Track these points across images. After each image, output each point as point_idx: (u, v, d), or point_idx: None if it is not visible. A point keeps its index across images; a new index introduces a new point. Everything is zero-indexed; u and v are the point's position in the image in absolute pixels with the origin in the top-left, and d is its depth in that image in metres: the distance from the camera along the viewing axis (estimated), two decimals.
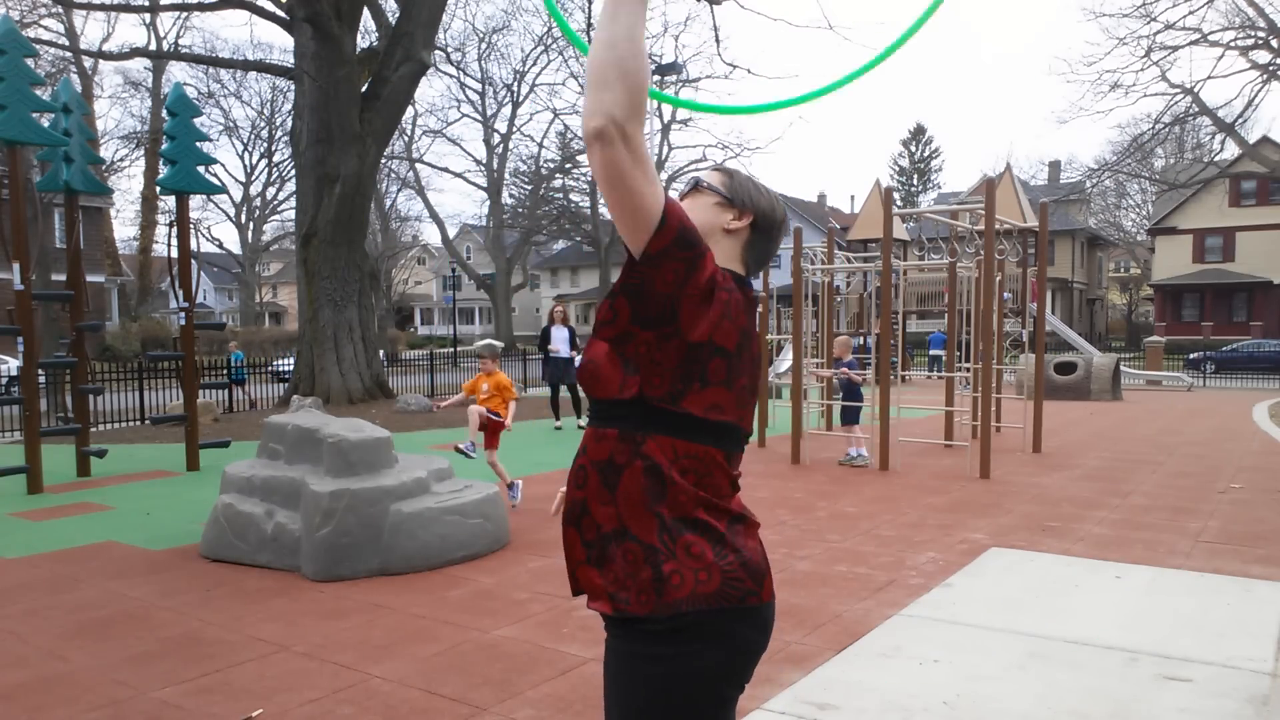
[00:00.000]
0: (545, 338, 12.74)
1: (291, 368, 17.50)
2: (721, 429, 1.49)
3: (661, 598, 1.42)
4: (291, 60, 16.85)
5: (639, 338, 1.44)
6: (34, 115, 8.19)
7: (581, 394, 7.94)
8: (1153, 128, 31.54)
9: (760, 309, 11.62)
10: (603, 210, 42.38)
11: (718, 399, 1.47)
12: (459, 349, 22.28)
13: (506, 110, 43.90)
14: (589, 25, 36.43)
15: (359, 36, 16.28)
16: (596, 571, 1.48)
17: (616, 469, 1.46)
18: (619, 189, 1.35)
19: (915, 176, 60.25)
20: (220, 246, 51.53)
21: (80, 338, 9.27)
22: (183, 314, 9.54)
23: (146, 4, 21.34)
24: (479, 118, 42.91)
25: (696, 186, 1.66)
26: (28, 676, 3.71)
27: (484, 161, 44.42)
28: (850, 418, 9.36)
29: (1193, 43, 27.71)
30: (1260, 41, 27.19)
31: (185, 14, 34.40)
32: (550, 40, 40.13)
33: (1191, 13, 28.42)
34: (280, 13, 16.12)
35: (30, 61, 8.28)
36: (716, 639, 1.45)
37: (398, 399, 15.22)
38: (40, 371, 9.58)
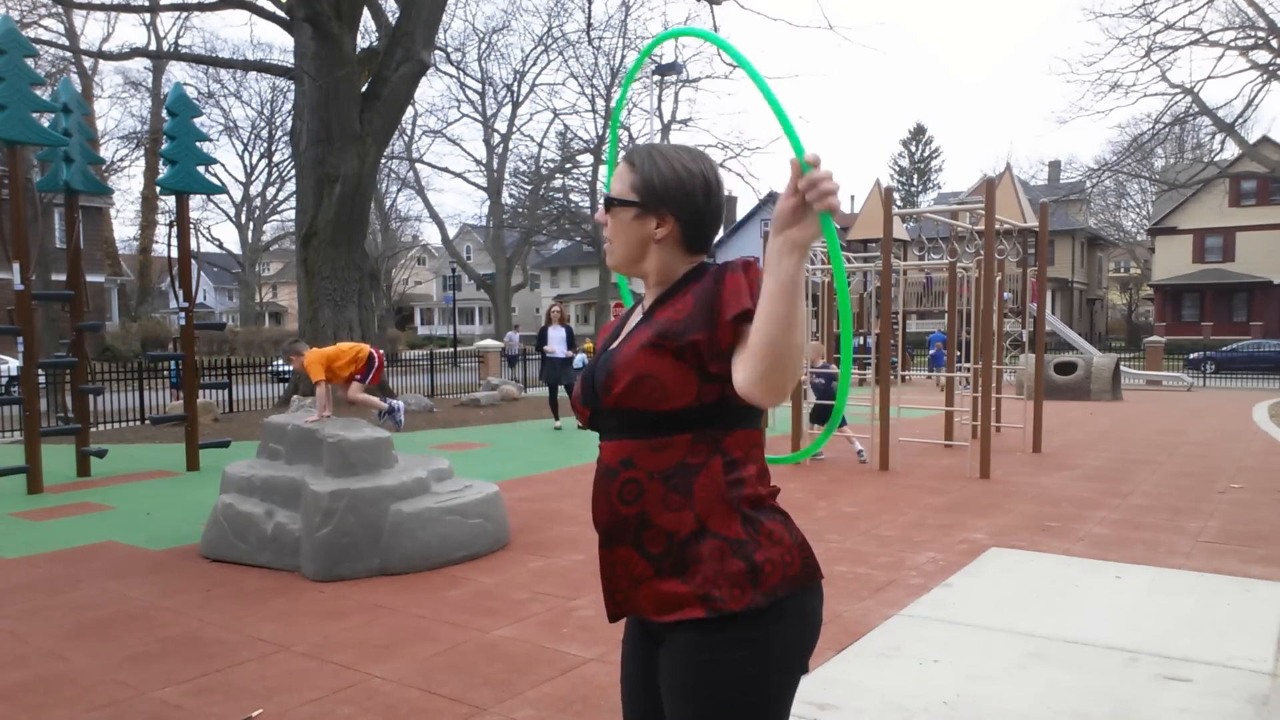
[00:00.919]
0: (543, 338, 12.77)
1: (291, 368, 17.48)
2: (758, 410, 1.49)
3: (758, 588, 1.41)
4: (291, 60, 16.85)
5: (703, 340, 1.40)
6: (34, 115, 8.19)
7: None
8: (1153, 128, 31.55)
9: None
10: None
11: None
12: (459, 349, 22.27)
13: (506, 110, 43.90)
14: (589, 25, 36.44)
15: (359, 36, 16.27)
16: (677, 580, 1.43)
17: (690, 470, 1.43)
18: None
19: (915, 176, 60.27)
20: (220, 246, 51.54)
21: (80, 338, 9.27)
22: (183, 314, 9.54)
23: (146, 4, 21.33)
24: (479, 118, 42.91)
25: (609, 206, 1.54)
26: (28, 676, 3.71)
27: (484, 161, 44.41)
28: (821, 418, 9.42)
29: (1193, 43, 27.72)
30: (1260, 41, 27.19)
31: (185, 14, 34.41)
32: (550, 40, 40.14)
33: (1191, 13, 28.46)
34: (280, 13, 16.11)
35: (30, 61, 8.28)
36: (800, 618, 1.47)
37: (398, 399, 15.21)
38: (40, 371, 9.58)
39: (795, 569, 1.45)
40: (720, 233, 1.60)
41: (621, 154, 1.59)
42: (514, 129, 43.88)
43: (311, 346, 6.54)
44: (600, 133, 40.83)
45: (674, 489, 1.43)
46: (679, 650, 1.45)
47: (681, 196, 1.50)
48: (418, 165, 43.88)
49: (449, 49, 38.50)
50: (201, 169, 9.69)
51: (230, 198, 47.41)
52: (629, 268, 1.56)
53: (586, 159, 43.08)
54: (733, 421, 1.45)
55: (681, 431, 1.43)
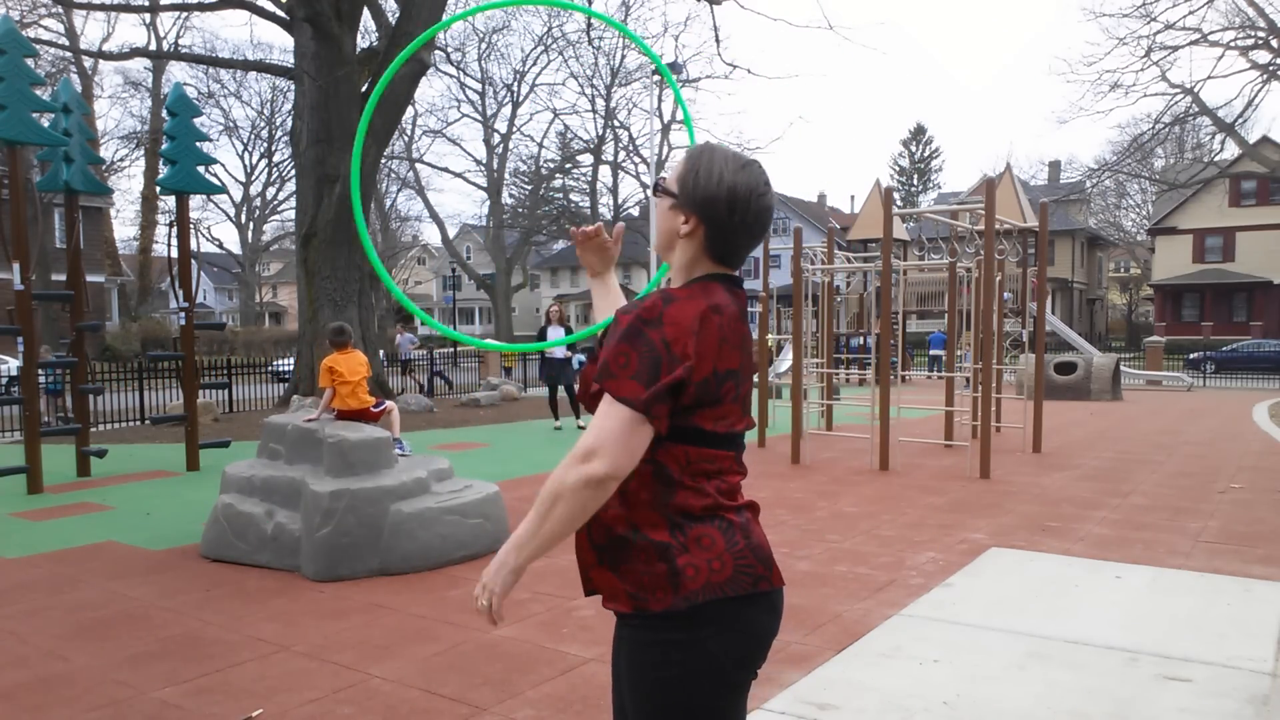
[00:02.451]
0: (541, 338, 12.74)
1: (291, 368, 17.49)
2: (731, 436, 1.56)
3: (678, 591, 1.45)
4: (291, 60, 16.85)
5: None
6: (34, 115, 8.19)
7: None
8: (1153, 128, 31.54)
9: (760, 309, 11.65)
10: (603, 210, 42.38)
11: (727, 412, 1.53)
12: (459, 349, 22.28)
13: (506, 110, 43.91)
14: (589, 25, 36.40)
15: (359, 36, 16.27)
16: (613, 575, 1.51)
17: (629, 475, 1.48)
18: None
19: (915, 176, 60.28)
20: (220, 246, 51.56)
21: (80, 338, 9.27)
22: (183, 314, 9.54)
23: (146, 4, 21.34)
24: (479, 118, 42.92)
25: (657, 188, 1.62)
26: (28, 676, 3.71)
27: (484, 161, 44.43)
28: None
29: (1193, 43, 27.71)
30: (1260, 41, 27.19)
31: (185, 14, 34.41)
32: (550, 40, 40.14)
33: (1191, 13, 28.52)
34: (280, 13, 16.12)
35: (30, 61, 8.27)
36: (731, 626, 1.49)
37: (398, 399, 15.22)
38: (40, 371, 9.58)
39: (724, 575, 1.47)
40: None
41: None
42: (514, 129, 43.92)
43: (347, 343, 6.53)
44: (600, 133, 40.82)
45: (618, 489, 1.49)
46: (617, 640, 1.56)
47: (706, 203, 1.54)
48: (418, 165, 43.91)
49: (449, 49, 38.52)
50: (201, 169, 9.69)
51: (230, 198, 47.46)
52: (663, 254, 1.63)
53: (586, 159, 43.10)
54: (672, 437, 1.48)
55: None
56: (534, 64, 51.60)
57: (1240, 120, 29.94)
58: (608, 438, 1.41)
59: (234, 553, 5.50)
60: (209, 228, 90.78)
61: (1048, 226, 10.43)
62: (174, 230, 9.45)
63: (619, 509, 1.50)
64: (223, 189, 12.00)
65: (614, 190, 44.47)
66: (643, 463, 1.46)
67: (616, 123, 41.28)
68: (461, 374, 22.04)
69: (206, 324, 12.57)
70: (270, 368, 20.37)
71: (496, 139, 43.66)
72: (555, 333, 12.49)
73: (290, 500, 5.44)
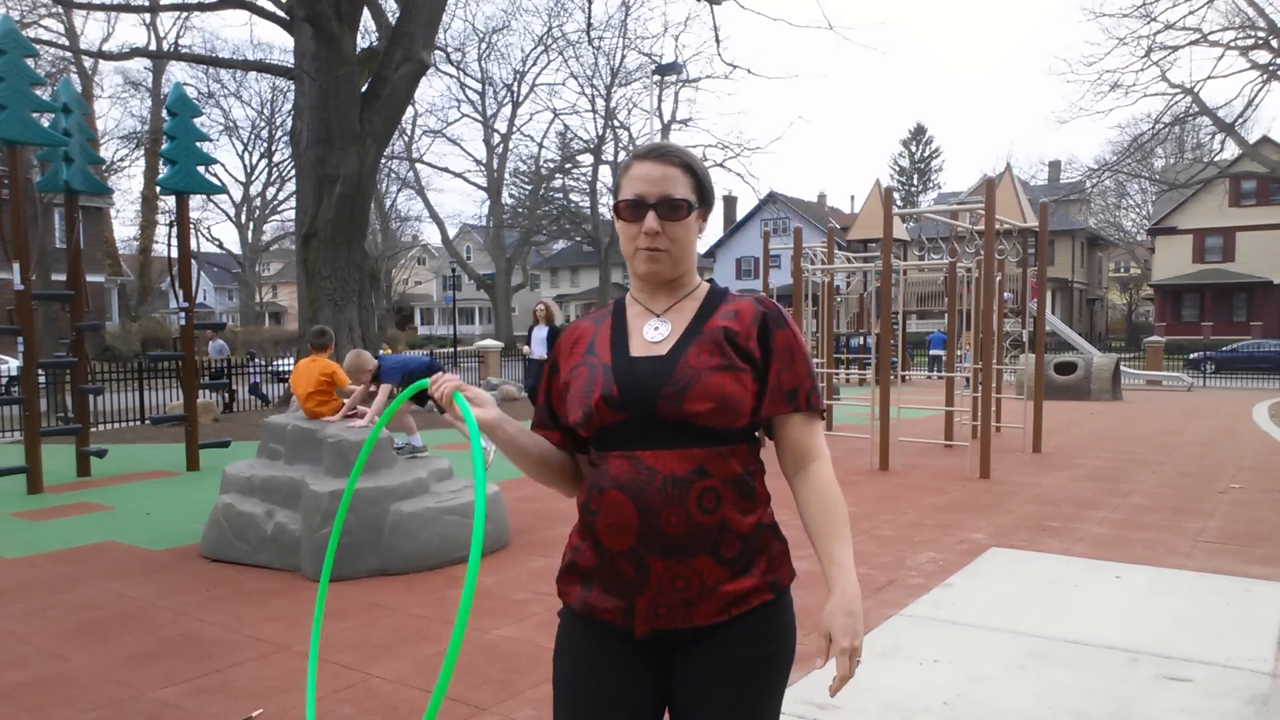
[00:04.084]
0: (529, 338, 12.33)
1: (291, 368, 17.49)
2: None
3: (789, 562, 1.58)
4: (291, 60, 16.84)
5: (744, 372, 1.52)
6: (34, 115, 8.19)
7: None
8: (1153, 128, 31.50)
9: None
10: (603, 210, 42.37)
11: None
12: (459, 349, 22.27)
13: (506, 110, 43.86)
14: (589, 25, 36.41)
15: (359, 36, 16.26)
16: (746, 577, 1.50)
17: (751, 475, 1.53)
18: None
19: (915, 176, 60.25)
20: (220, 246, 51.48)
21: (80, 338, 9.27)
22: (183, 314, 9.54)
23: (146, 4, 21.32)
24: (479, 118, 42.87)
25: (689, 207, 1.54)
26: (28, 676, 3.71)
27: (484, 161, 44.38)
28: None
29: (1193, 43, 27.68)
30: (1260, 41, 27.17)
31: (185, 14, 34.40)
32: (550, 40, 40.13)
33: (1191, 13, 28.42)
34: (280, 13, 16.10)
35: (30, 61, 8.28)
36: None
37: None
38: (40, 371, 9.58)
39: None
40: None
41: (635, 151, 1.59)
42: (514, 129, 43.86)
43: (328, 345, 6.20)
44: (600, 133, 40.82)
45: (744, 494, 1.50)
46: (741, 643, 1.50)
47: (711, 190, 1.59)
48: (418, 165, 43.88)
49: (449, 49, 38.50)
50: (201, 169, 9.69)
51: (230, 198, 47.35)
52: (680, 267, 1.58)
53: (586, 159, 43.08)
54: (758, 428, 1.58)
55: (743, 441, 1.52)
56: (534, 64, 51.63)
57: (1240, 120, 29.93)
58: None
59: (234, 553, 5.50)
60: (209, 228, 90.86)
61: (1048, 226, 10.43)
62: (174, 230, 9.46)
63: (749, 513, 1.50)
64: (223, 189, 11.99)
65: (614, 190, 44.39)
66: (758, 457, 1.55)
67: (616, 123, 41.27)
68: (463, 374, 22.04)
69: (206, 324, 12.58)
70: (271, 368, 20.36)
71: (496, 139, 43.64)
72: (539, 334, 12.25)
73: (290, 500, 5.44)
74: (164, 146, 9.66)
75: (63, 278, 10.59)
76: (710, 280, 1.63)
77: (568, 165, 44.35)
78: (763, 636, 1.51)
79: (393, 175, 44.87)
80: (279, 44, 69.72)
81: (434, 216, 45.68)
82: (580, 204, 44.54)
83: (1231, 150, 34.52)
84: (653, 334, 1.55)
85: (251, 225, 49.78)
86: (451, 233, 50.26)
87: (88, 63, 33.07)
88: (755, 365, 1.51)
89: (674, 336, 1.53)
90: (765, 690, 1.52)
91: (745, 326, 1.52)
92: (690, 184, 1.54)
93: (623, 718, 1.51)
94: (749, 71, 54.45)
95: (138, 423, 13.96)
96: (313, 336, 6.33)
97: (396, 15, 16.66)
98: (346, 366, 6.10)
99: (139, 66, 39.74)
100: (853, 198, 58.72)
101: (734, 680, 1.49)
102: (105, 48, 36.14)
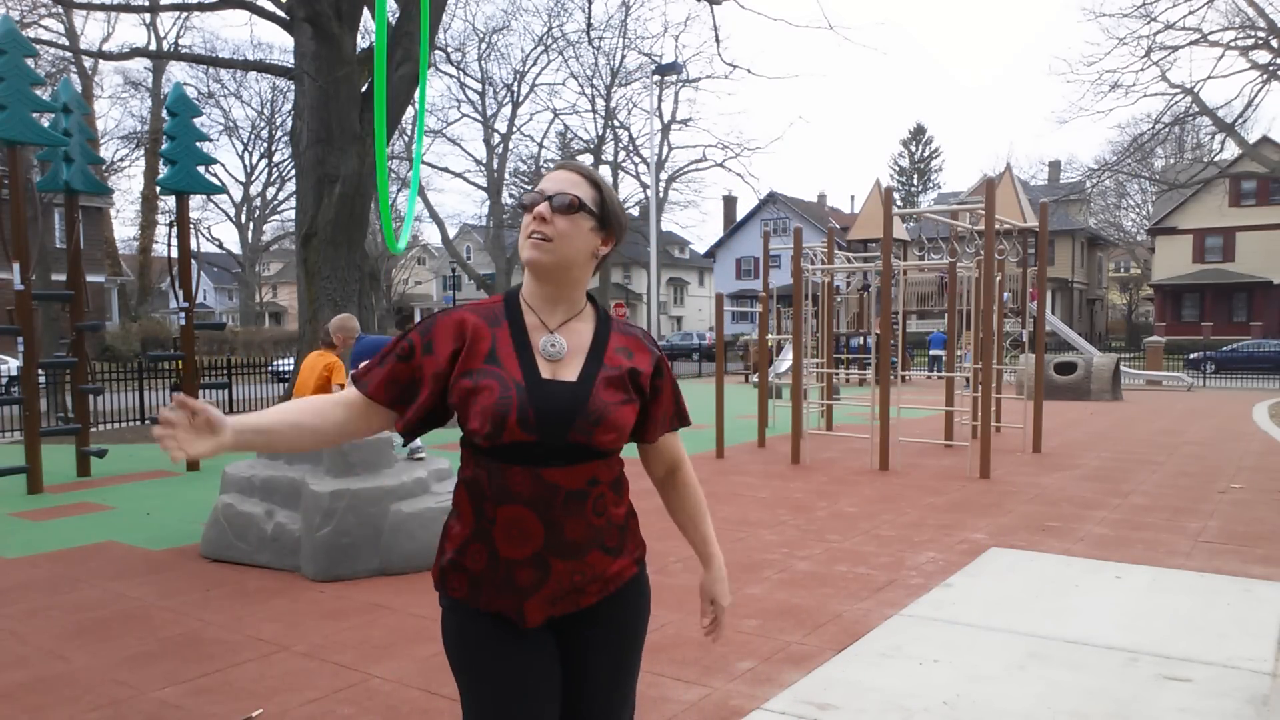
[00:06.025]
0: None
1: (291, 368, 17.49)
2: None
3: (640, 536, 1.78)
4: (291, 60, 16.84)
5: (637, 402, 1.71)
6: (34, 115, 8.19)
7: None
8: (1153, 128, 31.49)
9: (760, 309, 11.64)
10: None
11: None
12: None
13: (506, 110, 43.88)
14: (589, 25, 36.42)
15: (359, 36, 16.26)
16: (621, 558, 1.69)
17: (622, 469, 1.72)
18: None
19: (915, 176, 60.27)
20: (220, 246, 51.47)
21: (80, 338, 9.27)
22: (183, 314, 9.54)
23: (146, 4, 21.32)
24: (479, 118, 42.86)
25: (580, 205, 1.60)
26: (28, 676, 3.71)
27: (484, 161, 44.39)
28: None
29: (1193, 43, 27.68)
30: (1260, 41, 27.17)
31: (185, 14, 34.39)
32: (550, 40, 40.13)
33: (1191, 13, 28.47)
34: (280, 13, 16.10)
35: (30, 61, 8.28)
36: None
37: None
38: (40, 371, 9.58)
39: None
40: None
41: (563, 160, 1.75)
42: (514, 129, 43.87)
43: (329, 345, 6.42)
44: (600, 133, 40.82)
45: (619, 490, 1.69)
46: (624, 609, 1.71)
47: (621, 226, 1.69)
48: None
49: (449, 49, 38.49)
50: (201, 169, 9.69)
51: (230, 198, 47.34)
52: (562, 273, 1.63)
53: (586, 159, 43.04)
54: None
55: (614, 455, 1.69)
56: (534, 64, 51.60)
57: (1240, 120, 29.91)
58: None
59: (234, 553, 5.50)
60: (209, 228, 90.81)
61: (1048, 226, 10.43)
62: (174, 230, 9.46)
63: (620, 505, 1.69)
64: (223, 189, 12.00)
65: (614, 190, 44.42)
66: (620, 465, 1.71)
67: (616, 123, 41.29)
68: None
69: (206, 324, 12.57)
70: (270, 368, 20.37)
71: (496, 139, 43.65)
72: None
73: (290, 500, 5.45)
74: (164, 146, 9.66)
75: (63, 278, 10.59)
76: (591, 299, 1.72)
77: None
78: (634, 604, 1.73)
79: (393, 175, 44.85)
80: (279, 44, 69.72)
81: (434, 216, 45.68)
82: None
83: (1231, 150, 34.52)
84: (550, 350, 1.62)
85: (251, 225, 49.77)
86: (451, 233, 50.26)
87: (88, 63, 33.06)
88: (644, 397, 1.70)
89: (575, 360, 1.63)
90: (639, 644, 1.77)
91: (646, 368, 1.69)
92: (592, 196, 1.63)
93: (542, 686, 1.62)
94: (749, 71, 54.53)
95: (138, 423, 13.96)
96: (324, 334, 6.59)
97: (397, 15, 16.67)
98: (333, 325, 6.36)
99: (139, 66, 39.76)
100: (853, 198, 58.78)
101: (617, 643, 1.71)
102: (105, 48, 36.15)
